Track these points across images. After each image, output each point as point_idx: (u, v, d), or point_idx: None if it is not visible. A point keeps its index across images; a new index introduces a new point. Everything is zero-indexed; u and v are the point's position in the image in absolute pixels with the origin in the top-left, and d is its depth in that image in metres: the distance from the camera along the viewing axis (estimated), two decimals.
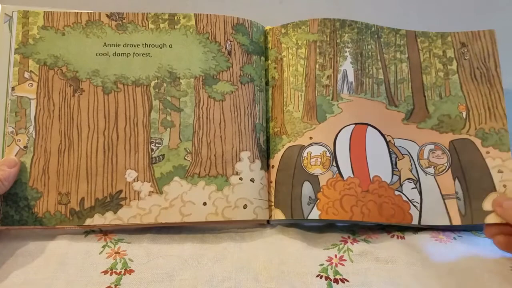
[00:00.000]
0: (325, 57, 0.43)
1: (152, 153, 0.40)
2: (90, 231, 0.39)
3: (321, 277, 0.34)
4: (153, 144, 0.40)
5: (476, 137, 0.41)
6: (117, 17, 0.42)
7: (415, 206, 0.39)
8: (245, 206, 0.39)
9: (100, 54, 0.41)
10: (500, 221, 0.37)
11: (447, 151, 0.41)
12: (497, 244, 0.37)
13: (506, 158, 0.40)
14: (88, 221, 0.38)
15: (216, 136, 0.41)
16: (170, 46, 0.42)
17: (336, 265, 0.35)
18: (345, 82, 0.42)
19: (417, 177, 0.40)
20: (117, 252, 0.36)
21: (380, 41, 0.44)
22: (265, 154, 0.42)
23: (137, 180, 0.39)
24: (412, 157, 0.41)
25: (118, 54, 0.41)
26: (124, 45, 0.41)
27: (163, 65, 0.41)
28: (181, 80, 0.41)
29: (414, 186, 0.40)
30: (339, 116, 0.41)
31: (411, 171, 0.40)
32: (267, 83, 0.44)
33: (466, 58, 0.43)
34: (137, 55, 0.41)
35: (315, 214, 0.38)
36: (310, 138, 0.40)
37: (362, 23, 0.44)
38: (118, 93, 0.40)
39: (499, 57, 0.43)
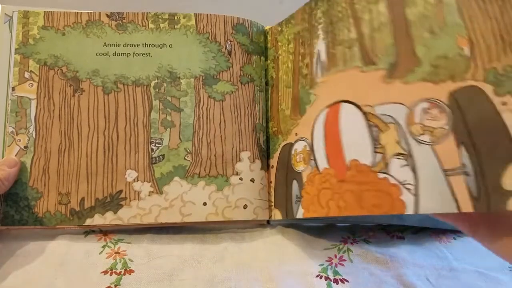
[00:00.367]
0: (305, 45, 0.39)
1: (152, 153, 0.40)
2: (90, 231, 0.39)
3: (321, 277, 0.34)
4: (153, 144, 0.40)
5: (486, 82, 0.27)
6: (117, 17, 0.42)
7: (408, 189, 0.29)
8: (245, 206, 0.39)
9: (100, 54, 0.41)
10: None
11: (447, 108, 0.28)
12: None
13: None
14: (88, 221, 0.38)
15: (216, 136, 0.41)
16: (170, 46, 0.42)
17: (336, 265, 0.35)
18: (318, 64, 0.38)
19: (407, 150, 0.30)
20: (117, 252, 0.36)
21: None
22: (265, 154, 0.42)
23: (137, 180, 0.39)
24: (400, 124, 0.30)
25: (118, 54, 0.41)
26: (124, 45, 0.41)
27: (163, 65, 0.41)
28: (181, 80, 0.41)
29: (405, 162, 0.30)
30: (315, 104, 0.37)
31: (399, 144, 0.30)
32: (267, 83, 0.44)
33: None
34: (137, 55, 0.41)
35: (300, 213, 0.36)
36: (296, 134, 0.39)
37: None
38: (118, 93, 0.40)
39: None
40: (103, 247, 0.37)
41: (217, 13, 0.43)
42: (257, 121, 0.42)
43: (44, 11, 0.41)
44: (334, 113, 0.35)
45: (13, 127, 0.39)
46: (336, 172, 0.33)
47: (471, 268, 0.35)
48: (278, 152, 0.41)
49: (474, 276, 0.34)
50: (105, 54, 0.41)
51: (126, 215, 0.38)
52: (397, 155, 0.30)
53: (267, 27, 0.45)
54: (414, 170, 0.30)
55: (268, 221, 0.41)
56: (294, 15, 0.42)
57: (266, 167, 0.41)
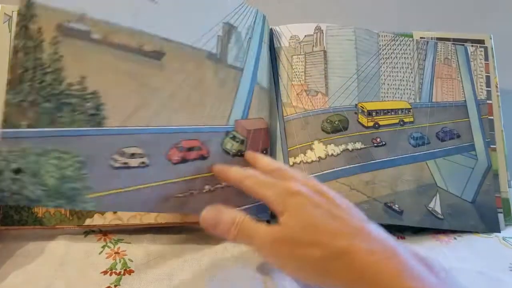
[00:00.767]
0: None
1: None
2: (89, 231, 0.39)
3: None
4: None
5: None
6: None
7: None
8: None
9: None
10: None
11: None
12: None
13: None
14: (88, 221, 0.38)
15: None
16: None
17: None
18: None
19: None
20: (116, 252, 0.36)
21: None
22: None
23: None
24: None
25: None
26: None
27: None
28: None
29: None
30: None
31: None
32: None
33: None
34: None
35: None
36: None
37: None
38: None
39: (499, 60, 0.43)
40: (103, 247, 0.36)
41: None
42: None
43: None
44: None
45: None
46: None
47: (472, 268, 0.35)
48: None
49: (474, 276, 0.34)
50: None
51: (126, 215, 0.38)
52: None
53: None
54: None
55: (268, 221, 0.41)
56: None
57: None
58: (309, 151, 0.42)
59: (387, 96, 0.46)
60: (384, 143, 0.44)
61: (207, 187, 0.37)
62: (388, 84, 0.46)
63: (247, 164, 0.37)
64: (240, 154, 0.39)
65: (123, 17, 0.35)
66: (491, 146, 0.47)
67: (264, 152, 0.41)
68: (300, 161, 0.42)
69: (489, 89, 0.48)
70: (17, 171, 0.30)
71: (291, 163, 0.42)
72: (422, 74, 0.48)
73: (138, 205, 0.34)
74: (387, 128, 0.45)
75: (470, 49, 0.49)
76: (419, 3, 0.63)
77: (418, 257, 0.25)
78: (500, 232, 0.43)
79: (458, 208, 0.44)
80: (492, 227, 0.43)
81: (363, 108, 0.45)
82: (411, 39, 0.49)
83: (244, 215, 0.30)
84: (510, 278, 0.34)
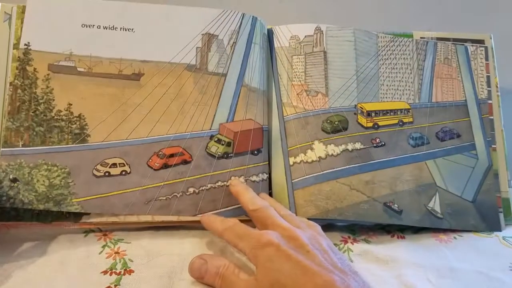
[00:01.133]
0: None
1: None
2: (89, 231, 0.39)
3: None
4: None
5: None
6: None
7: None
8: None
9: None
10: None
11: None
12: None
13: None
14: (84, 218, 0.38)
15: None
16: None
17: None
18: None
19: None
20: (116, 252, 0.36)
21: None
22: None
23: None
24: None
25: None
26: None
27: None
28: None
29: None
30: None
31: None
32: None
33: None
34: None
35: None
36: None
37: None
38: None
39: (499, 59, 0.43)
40: (103, 247, 0.36)
41: None
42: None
43: None
44: None
45: None
46: None
47: (472, 268, 0.35)
48: None
49: (474, 276, 0.34)
50: None
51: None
52: None
53: (268, 27, 0.46)
54: None
55: None
56: None
57: (267, 169, 0.42)
58: (309, 151, 0.42)
59: (386, 97, 0.46)
60: (383, 143, 0.44)
61: (191, 189, 0.39)
62: (387, 85, 0.46)
63: (236, 164, 0.39)
64: (226, 156, 0.40)
65: (104, 50, 0.40)
66: (492, 145, 0.47)
67: (256, 152, 0.41)
68: (301, 161, 0.42)
69: (489, 89, 0.48)
70: (14, 180, 0.36)
71: (291, 163, 0.42)
72: (421, 75, 0.48)
73: (120, 208, 0.37)
74: (387, 128, 0.45)
75: (471, 48, 0.49)
76: (419, 3, 0.63)
77: None
78: (501, 230, 0.43)
79: (458, 207, 0.44)
80: (493, 226, 0.43)
81: (362, 108, 0.45)
82: (410, 39, 0.49)
83: (227, 264, 0.31)
84: (510, 278, 0.34)
